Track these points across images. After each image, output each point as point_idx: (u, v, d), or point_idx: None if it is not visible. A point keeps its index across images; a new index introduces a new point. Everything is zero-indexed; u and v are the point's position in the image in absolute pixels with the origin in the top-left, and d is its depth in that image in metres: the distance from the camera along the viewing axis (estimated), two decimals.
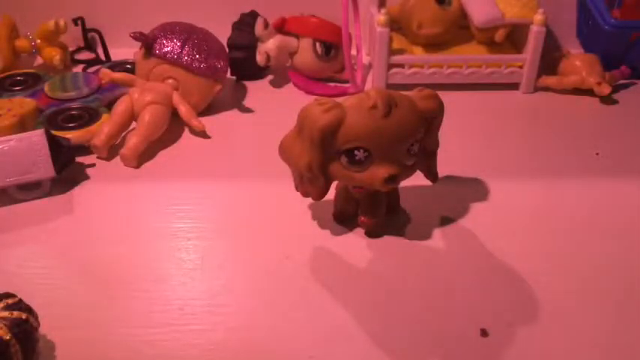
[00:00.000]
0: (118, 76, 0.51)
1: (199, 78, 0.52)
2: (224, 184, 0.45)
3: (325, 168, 0.35)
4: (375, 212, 0.39)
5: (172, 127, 0.50)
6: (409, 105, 0.35)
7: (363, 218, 0.39)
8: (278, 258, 0.37)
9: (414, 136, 0.35)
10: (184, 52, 0.51)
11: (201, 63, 0.51)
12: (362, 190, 0.38)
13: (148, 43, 0.51)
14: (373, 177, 0.35)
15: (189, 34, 0.52)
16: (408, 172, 0.36)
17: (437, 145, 0.38)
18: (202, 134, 0.50)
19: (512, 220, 0.41)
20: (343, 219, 0.40)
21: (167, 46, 0.51)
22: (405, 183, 0.37)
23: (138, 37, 0.51)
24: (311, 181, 0.36)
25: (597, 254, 0.38)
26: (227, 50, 0.57)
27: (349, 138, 0.34)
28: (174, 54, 0.51)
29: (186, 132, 0.51)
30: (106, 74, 0.51)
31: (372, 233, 0.39)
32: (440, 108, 0.36)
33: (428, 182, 0.40)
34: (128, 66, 0.59)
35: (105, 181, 0.44)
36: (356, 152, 0.34)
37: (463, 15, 0.58)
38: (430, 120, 0.36)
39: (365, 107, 0.34)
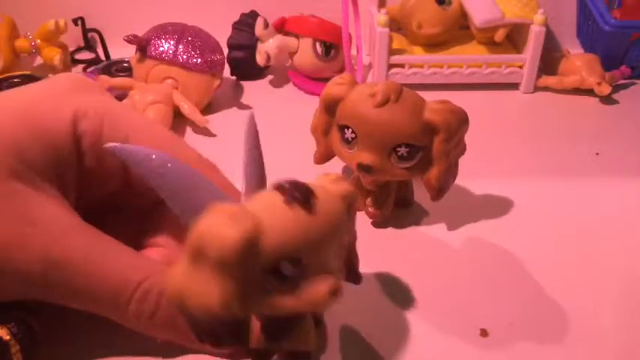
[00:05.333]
0: (117, 81, 0.51)
1: (197, 75, 0.52)
2: None
3: (327, 132, 0.38)
4: (383, 204, 0.39)
5: (173, 128, 0.50)
6: (413, 107, 0.35)
7: (370, 209, 0.39)
8: None
9: (402, 137, 0.35)
10: (179, 50, 0.51)
11: (197, 59, 0.51)
12: (372, 181, 0.38)
13: (142, 46, 0.51)
14: (353, 159, 0.36)
15: (181, 32, 0.52)
16: (394, 171, 0.36)
17: (437, 180, 0.36)
18: (206, 132, 0.50)
19: (512, 220, 0.41)
20: None
21: (161, 47, 0.51)
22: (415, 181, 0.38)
23: (132, 40, 0.51)
24: (317, 142, 0.39)
25: (597, 254, 0.38)
26: (227, 48, 0.57)
27: (343, 114, 0.36)
28: (170, 53, 0.51)
29: (188, 132, 0.51)
30: (105, 80, 0.51)
31: (378, 224, 0.40)
32: (444, 124, 0.35)
33: None
34: (125, 64, 0.59)
35: None
36: (345, 130, 0.36)
37: (463, 15, 0.58)
38: (433, 132, 0.35)
39: (367, 92, 0.35)
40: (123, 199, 0.32)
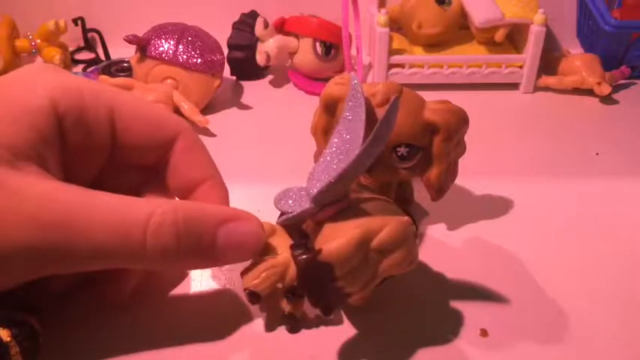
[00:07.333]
0: (117, 81, 0.51)
1: (197, 75, 0.52)
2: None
3: (327, 132, 0.37)
4: None
5: None
6: (413, 107, 0.35)
7: None
8: None
9: (402, 137, 0.35)
10: (179, 50, 0.51)
11: (197, 59, 0.51)
12: (372, 181, 0.38)
13: (142, 46, 0.51)
14: None
15: (181, 32, 0.52)
16: (394, 171, 0.36)
17: (437, 178, 0.36)
18: (206, 132, 0.50)
19: (512, 220, 0.41)
20: None
21: (161, 47, 0.51)
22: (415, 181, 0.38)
23: (132, 40, 0.51)
24: (317, 143, 0.39)
25: (597, 254, 0.38)
26: (227, 48, 0.57)
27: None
28: (170, 53, 0.51)
29: None
30: (105, 80, 0.51)
31: None
32: (444, 124, 0.34)
33: None
34: (125, 64, 0.59)
35: None
36: None
37: (463, 15, 0.58)
38: (433, 132, 0.35)
39: (367, 92, 0.35)
40: (110, 180, 0.31)
